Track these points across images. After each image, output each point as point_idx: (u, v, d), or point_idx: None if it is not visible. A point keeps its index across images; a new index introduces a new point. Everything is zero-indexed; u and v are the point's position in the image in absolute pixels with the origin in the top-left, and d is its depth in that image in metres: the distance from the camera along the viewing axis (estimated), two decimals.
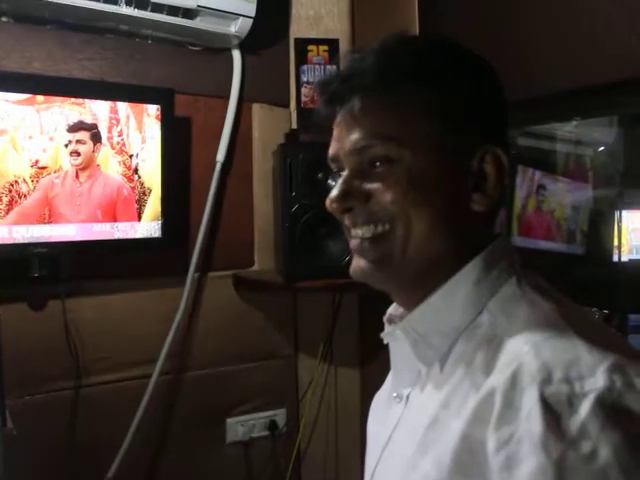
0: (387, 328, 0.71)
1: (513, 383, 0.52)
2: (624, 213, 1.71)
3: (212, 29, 1.49)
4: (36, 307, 1.40)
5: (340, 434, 1.82)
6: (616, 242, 1.70)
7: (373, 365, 1.79)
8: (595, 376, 0.50)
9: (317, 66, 1.63)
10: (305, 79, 1.63)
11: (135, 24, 1.44)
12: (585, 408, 0.48)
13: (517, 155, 1.60)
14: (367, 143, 0.62)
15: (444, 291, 0.63)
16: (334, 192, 0.64)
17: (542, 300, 0.60)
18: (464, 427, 0.54)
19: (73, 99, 1.33)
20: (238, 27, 1.51)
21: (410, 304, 0.66)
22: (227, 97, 1.61)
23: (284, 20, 1.72)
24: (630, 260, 1.75)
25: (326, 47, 1.64)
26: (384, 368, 0.74)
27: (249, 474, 1.70)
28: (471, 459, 0.53)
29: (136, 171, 1.42)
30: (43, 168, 1.31)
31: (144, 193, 1.44)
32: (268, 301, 1.70)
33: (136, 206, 1.43)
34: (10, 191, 1.28)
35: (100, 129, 1.36)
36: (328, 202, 0.65)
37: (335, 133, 0.66)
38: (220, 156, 1.59)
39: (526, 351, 0.53)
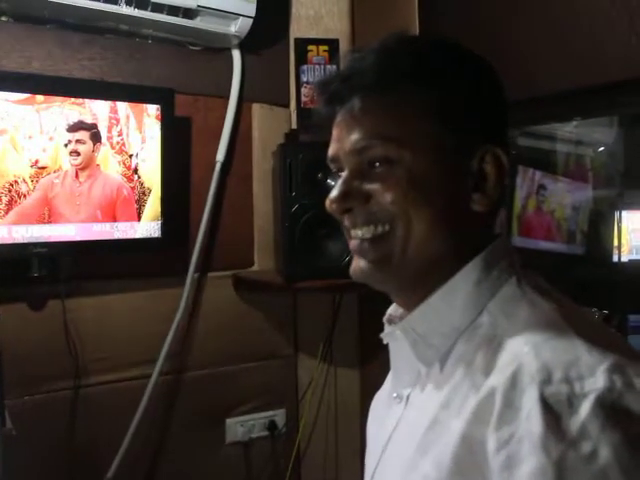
0: (387, 328, 0.71)
1: (513, 383, 0.52)
2: (624, 213, 1.71)
3: (212, 29, 1.49)
4: (36, 307, 1.40)
5: (340, 434, 1.82)
6: (616, 242, 1.69)
7: (373, 365, 1.78)
8: (595, 376, 0.50)
9: (317, 66, 1.63)
10: (305, 79, 1.63)
11: (135, 24, 1.44)
12: (585, 408, 0.48)
13: (517, 155, 1.60)
14: (367, 143, 0.62)
15: (444, 291, 0.63)
16: (334, 193, 0.64)
17: (542, 300, 0.60)
18: (464, 427, 0.54)
19: (73, 99, 1.33)
20: (238, 27, 1.51)
21: (410, 304, 0.66)
22: (227, 97, 1.61)
23: (284, 20, 1.72)
24: (630, 260, 1.75)
25: (326, 47, 1.64)
26: (384, 368, 0.74)
27: (249, 474, 1.70)
28: (471, 459, 0.53)
29: (136, 171, 1.42)
30: (43, 168, 1.31)
31: (144, 193, 1.44)
32: (268, 301, 1.70)
33: (136, 206, 1.43)
34: (10, 191, 1.27)
35: (100, 129, 1.36)
36: (328, 203, 0.65)
37: (335, 133, 0.66)
38: (220, 156, 1.59)
39: (526, 351, 0.53)
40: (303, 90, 1.63)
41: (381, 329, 0.71)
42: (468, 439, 0.53)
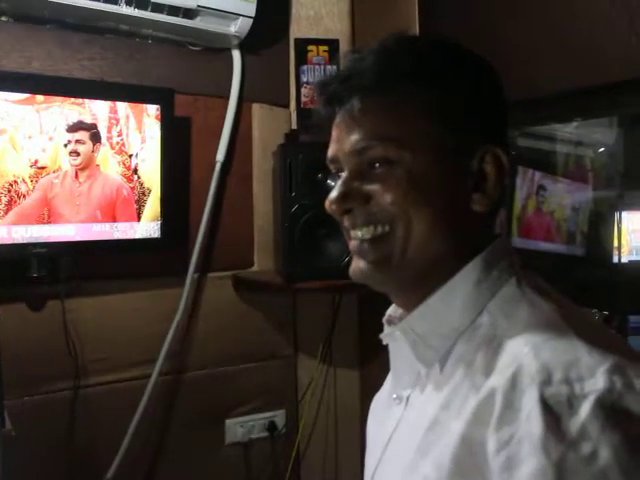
0: (386, 329, 0.71)
1: (513, 384, 0.52)
2: (624, 214, 1.71)
3: (212, 29, 1.49)
4: (35, 307, 1.40)
5: (339, 435, 1.82)
6: (616, 243, 1.69)
7: (372, 366, 1.78)
8: (595, 377, 0.49)
9: (317, 66, 1.63)
10: (305, 79, 1.63)
11: (135, 24, 1.44)
12: (585, 409, 0.48)
13: (517, 156, 1.60)
14: (366, 144, 0.62)
15: (444, 292, 0.63)
16: (333, 194, 0.64)
17: (542, 301, 0.60)
18: (464, 428, 0.54)
19: (73, 99, 1.33)
20: (238, 27, 1.51)
21: (410, 305, 0.65)
22: (227, 97, 1.61)
23: (284, 20, 1.72)
24: (630, 261, 1.75)
25: (326, 47, 1.64)
26: (384, 369, 0.74)
27: (248, 475, 1.70)
28: (471, 460, 0.53)
29: (136, 171, 1.42)
30: (42, 168, 1.31)
31: (143, 193, 1.43)
32: (268, 301, 1.70)
33: (135, 206, 1.43)
34: (9, 191, 1.27)
35: (100, 129, 1.36)
36: (327, 204, 0.64)
37: (334, 134, 0.66)
38: (220, 156, 1.59)
39: (526, 352, 0.53)
40: (303, 90, 1.63)
41: (381, 330, 0.71)
42: (468, 440, 0.53)
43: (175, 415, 1.58)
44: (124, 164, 1.40)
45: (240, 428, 1.67)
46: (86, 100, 1.34)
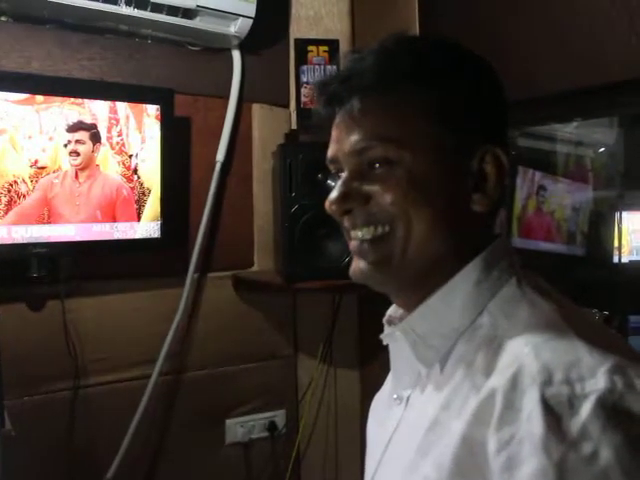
0: (387, 329, 0.71)
1: (514, 384, 0.51)
2: (624, 214, 1.71)
3: (212, 29, 1.49)
4: (35, 307, 1.40)
5: (340, 435, 1.82)
6: (616, 243, 1.70)
7: (373, 366, 1.78)
8: (596, 377, 0.49)
9: (317, 66, 1.63)
10: (305, 79, 1.63)
11: (135, 24, 1.44)
12: (586, 409, 0.48)
13: (517, 156, 1.60)
14: (366, 144, 0.62)
15: (444, 292, 0.62)
16: (333, 194, 0.64)
17: (542, 301, 0.60)
18: (464, 428, 0.54)
19: (72, 99, 1.32)
20: (238, 27, 1.51)
21: (410, 305, 0.65)
22: (227, 97, 1.61)
23: (284, 20, 1.71)
24: (630, 261, 1.75)
25: (326, 47, 1.63)
26: (384, 369, 0.73)
27: (248, 475, 1.69)
28: (471, 460, 0.53)
29: (135, 171, 1.42)
30: (42, 168, 1.31)
31: (143, 193, 1.43)
32: (268, 302, 1.70)
33: (135, 206, 1.43)
34: (9, 191, 1.27)
35: (99, 129, 1.36)
36: (327, 204, 0.64)
37: (334, 134, 0.66)
38: (220, 156, 1.59)
39: (526, 352, 0.53)
40: (303, 90, 1.63)
41: (381, 330, 0.71)
42: (468, 440, 0.53)
43: (175, 415, 1.58)
44: (124, 164, 1.40)
45: (240, 428, 1.67)
46: (86, 100, 1.34)
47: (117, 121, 1.38)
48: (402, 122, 0.61)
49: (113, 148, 1.38)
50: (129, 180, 1.41)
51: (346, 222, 0.65)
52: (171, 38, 1.52)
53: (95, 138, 1.36)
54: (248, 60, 1.63)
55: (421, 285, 0.64)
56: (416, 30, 1.51)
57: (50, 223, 1.32)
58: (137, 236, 1.43)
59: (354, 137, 0.63)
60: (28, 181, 1.29)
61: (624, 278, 1.67)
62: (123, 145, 1.39)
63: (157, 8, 1.39)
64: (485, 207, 0.62)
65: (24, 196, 1.29)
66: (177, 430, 1.58)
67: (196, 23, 1.46)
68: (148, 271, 1.52)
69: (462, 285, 0.62)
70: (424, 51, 0.64)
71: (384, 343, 0.70)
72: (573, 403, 0.48)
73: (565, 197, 1.76)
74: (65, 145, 1.33)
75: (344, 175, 0.64)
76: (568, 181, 1.77)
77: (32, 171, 1.29)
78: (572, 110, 1.31)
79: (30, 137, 1.28)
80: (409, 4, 1.54)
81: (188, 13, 1.43)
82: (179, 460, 1.58)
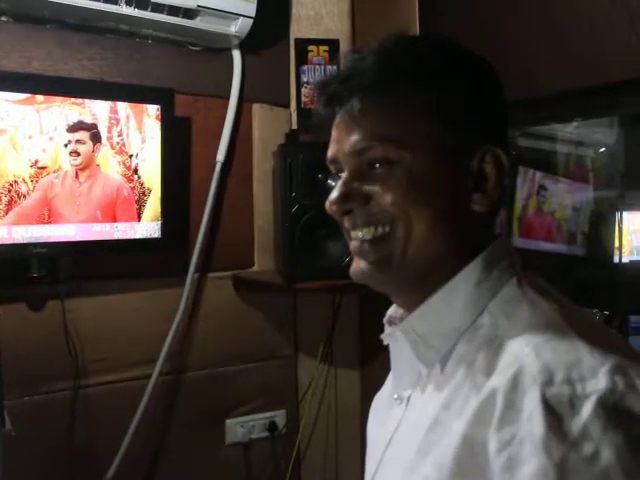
0: (387, 329, 0.71)
1: (514, 384, 0.51)
2: (625, 214, 1.71)
3: (212, 29, 1.49)
4: (35, 307, 1.40)
5: (340, 435, 1.82)
6: (617, 243, 1.70)
7: (373, 366, 1.78)
8: (597, 377, 0.49)
9: (317, 66, 1.63)
10: (305, 79, 1.63)
11: (135, 24, 1.44)
12: (587, 409, 0.48)
13: (518, 156, 1.60)
14: (366, 145, 0.62)
15: (444, 292, 0.62)
16: (333, 194, 0.64)
17: (543, 301, 0.60)
18: (465, 428, 0.54)
19: (73, 99, 1.32)
20: (238, 27, 1.51)
21: (410, 305, 0.65)
22: (227, 97, 1.61)
23: (284, 20, 1.71)
24: (631, 261, 1.75)
25: (326, 47, 1.63)
26: (384, 369, 0.73)
27: (248, 475, 1.69)
28: (472, 460, 0.53)
29: (136, 171, 1.42)
30: (43, 168, 1.31)
31: (144, 193, 1.43)
32: (268, 302, 1.70)
33: (136, 206, 1.43)
34: (9, 191, 1.27)
35: (100, 129, 1.36)
36: (327, 204, 0.64)
37: (334, 134, 0.66)
38: (220, 156, 1.59)
39: (527, 352, 0.53)
40: (303, 90, 1.63)
41: (381, 330, 0.71)
42: (469, 440, 0.53)
43: (175, 415, 1.58)
44: (124, 164, 1.40)
45: (240, 428, 1.67)
46: (86, 100, 1.34)
47: (117, 121, 1.38)
48: (402, 122, 0.61)
49: (113, 148, 1.38)
50: (129, 180, 1.41)
51: (346, 222, 0.65)
52: (171, 38, 1.52)
53: (95, 138, 1.36)
54: (248, 60, 1.63)
55: (421, 285, 0.64)
56: (416, 30, 1.51)
57: (50, 223, 1.32)
58: (137, 236, 1.43)
59: (354, 137, 0.62)
60: (28, 181, 1.29)
61: (624, 278, 1.67)
62: (123, 145, 1.39)
63: (158, 8, 1.39)
64: (485, 207, 0.62)
65: (24, 196, 1.29)
66: (177, 430, 1.58)
67: (196, 23, 1.46)
68: (148, 271, 1.52)
69: (463, 285, 0.62)
70: (424, 51, 0.64)
71: (384, 343, 0.70)
72: (574, 403, 0.48)
73: (565, 197, 1.76)
74: (65, 145, 1.33)
75: (344, 175, 0.64)
76: (568, 181, 1.77)
77: (32, 171, 1.29)
78: (572, 110, 1.31)
79: (30, 137, 1.28)
80: (409, 4, 1.54)
81: (189, 13, 1.43)
82: (179, 460, 1.58)
